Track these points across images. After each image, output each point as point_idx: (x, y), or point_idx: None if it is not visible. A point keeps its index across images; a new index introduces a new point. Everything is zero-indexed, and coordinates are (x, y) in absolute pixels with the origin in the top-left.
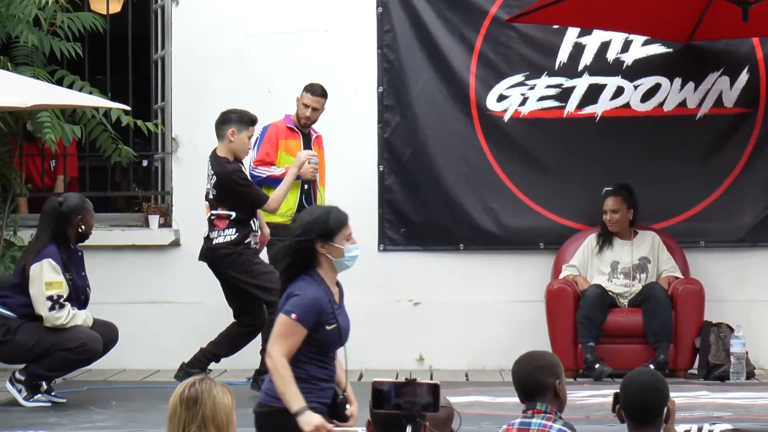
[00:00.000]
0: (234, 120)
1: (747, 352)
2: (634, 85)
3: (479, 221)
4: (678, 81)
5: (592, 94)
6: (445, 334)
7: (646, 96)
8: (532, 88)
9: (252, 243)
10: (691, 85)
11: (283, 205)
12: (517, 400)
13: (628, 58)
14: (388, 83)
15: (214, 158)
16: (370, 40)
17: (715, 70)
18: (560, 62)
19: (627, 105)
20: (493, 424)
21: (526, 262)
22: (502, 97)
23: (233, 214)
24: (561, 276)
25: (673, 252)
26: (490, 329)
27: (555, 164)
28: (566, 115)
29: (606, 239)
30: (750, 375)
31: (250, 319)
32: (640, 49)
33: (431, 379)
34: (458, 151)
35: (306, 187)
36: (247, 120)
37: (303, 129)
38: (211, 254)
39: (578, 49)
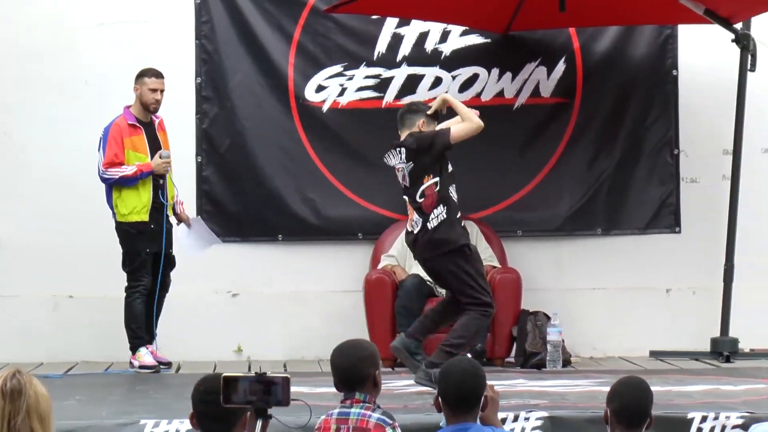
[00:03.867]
0: (424, 112)
1: (563, 340)
2: (452, 76)
3: (298, 212)
4: (496, 71)
5: (411, 84)
6: (263, 325)
7: (464, 86)
8: (350, 78)
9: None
10: (508, 75)
11: (137, 202)
12: (335, 390)
13: (447, 49)
14: (207, 74)
15: (399, 144)
16: (188, 30)
17: (533, 60)
18: (378, 53)
19: None
20: (311, 415)
21: (345, 252)
22: (320, 88)
23: (437, 180)
24: (379, 266)
25: (491, 241)
26: (308, 320)
27: (373, 154)
28: (385, 105)
29: None
30: (566, 363)
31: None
32: (458, 39)
33: (249, 369)
34: (277, 141)
35: (161, 181)
36: (435, 116)
37: (146, 119)
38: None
39: (396, 40)
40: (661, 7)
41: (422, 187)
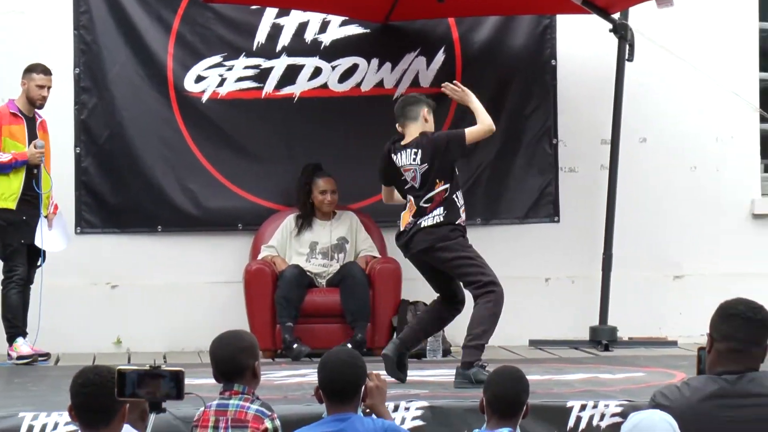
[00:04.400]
0: (424, 101)
1: (443, 330)
2: (331, 66)
3: (178, 203)
4: (375, 61)
5: (290, 74)
6: (143, 317)
7: (344, 76)
8: (230, 69)
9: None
10: (388, 65)
11: (6, 189)
12: (214, 381)
13: (326, 39)
14: (85, 64)
15: (412, 144)
16: (66, 21)
17: (412, 50)
18: (258, 43)
19: (325, 85)
20: (191, 406)
21: (225, 243)
22: (200, 78)
23: (448, 186)
24: (259, 257)
25: (371, 231)
26: (188, 311)
27: (253, 145)
28: (264, 95)
29: (305, 220)
30: (446, 352)
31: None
32: (338, 29)
33: (129, 361)
34: (156, 132)
35: (35, 171)
36: (432, 103)
37: (30, 113)
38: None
39: (276, 30)
40: None
41: (432, 193)
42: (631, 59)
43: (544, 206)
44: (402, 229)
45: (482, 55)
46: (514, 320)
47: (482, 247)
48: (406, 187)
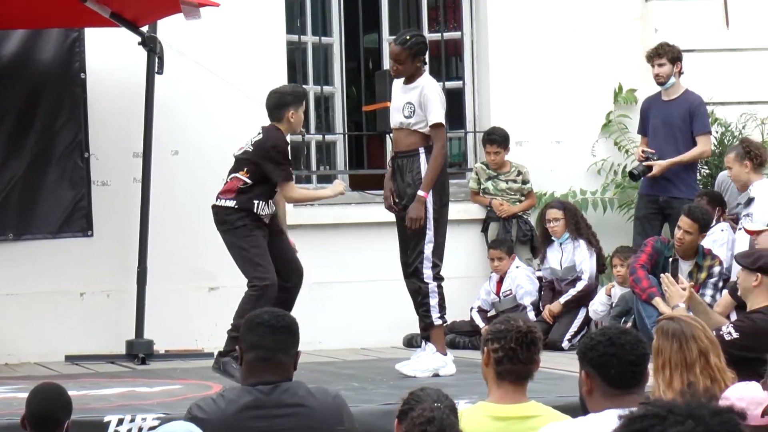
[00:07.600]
0: (290, 102)
1: None
2: None
3: None
4: None
5: None
6: None
7: None
8: None
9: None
10: None
11: None
12: None
13: None
14: None
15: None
16: None
17: None
18: None
19: None
20: None
21: None
22: None
23: (249, 183)
24: None
25: None
26: None
27: None
28: None
29: None
30: None
31: (258, 280)
32: None
33: None
34: None
35: None
36: (301, 96)
37: None
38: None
39: None
40: (67, 10)
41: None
42: (160, 72)
43: (77, 220)
44: None
45: (10, 69)
46: (49, 336)
47: (15, 263)
48: None
